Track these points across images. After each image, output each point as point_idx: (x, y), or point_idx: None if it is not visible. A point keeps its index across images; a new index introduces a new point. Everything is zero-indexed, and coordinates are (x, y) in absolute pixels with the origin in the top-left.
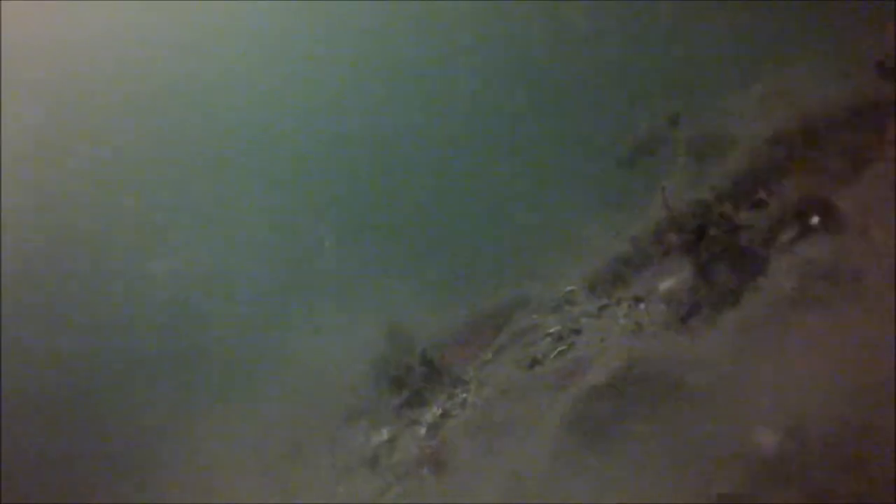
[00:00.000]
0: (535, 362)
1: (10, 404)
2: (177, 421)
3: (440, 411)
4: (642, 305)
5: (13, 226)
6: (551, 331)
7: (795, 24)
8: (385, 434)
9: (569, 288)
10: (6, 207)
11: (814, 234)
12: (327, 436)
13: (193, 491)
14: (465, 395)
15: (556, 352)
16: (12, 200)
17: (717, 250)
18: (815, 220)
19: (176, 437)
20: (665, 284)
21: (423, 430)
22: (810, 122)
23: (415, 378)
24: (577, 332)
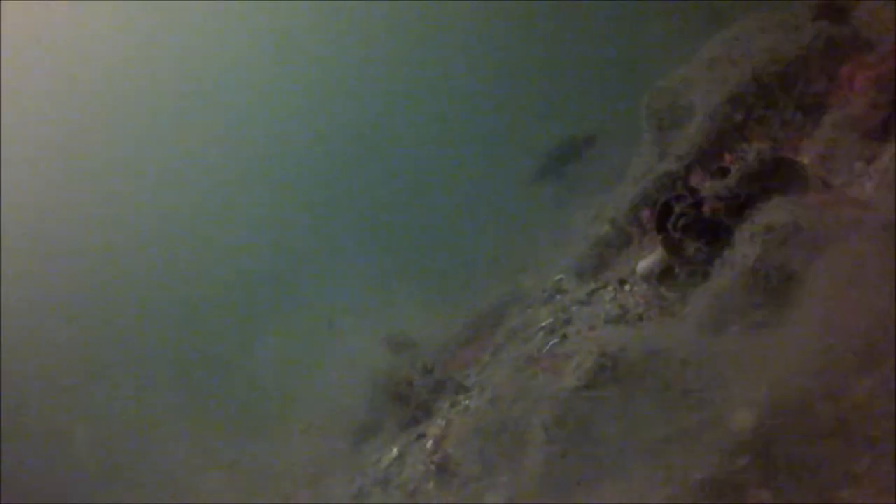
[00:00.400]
0: (530, 360)
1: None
2: (175, 430)
3: (444, 422)
4: (627, 287)
5: (13, 229)
6: (543, 324)
7: None
8: (394, 452)
9: (558, 277)
10: (6, 209)
11: (777, 196)
12: (338, 458)
13: None
14: (467, 401)
15: (549, 346)
16: (13, 202)
17: (685, 224)
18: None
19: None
20: (642, 264)
21: (429, 444)
22: (762, 79)
23: (418, 391)
24: (569, 322)
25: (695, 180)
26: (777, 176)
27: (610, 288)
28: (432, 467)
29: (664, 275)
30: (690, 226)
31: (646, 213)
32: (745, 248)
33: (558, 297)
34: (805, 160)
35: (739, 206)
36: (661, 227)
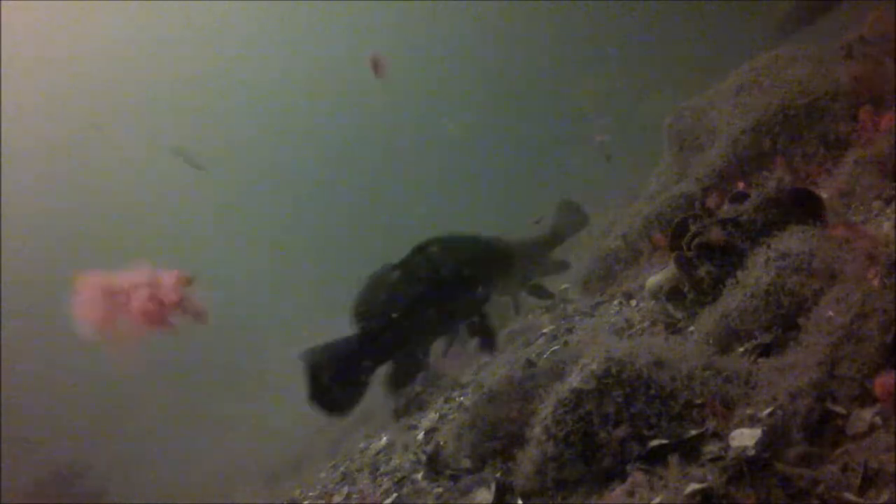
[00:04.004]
0: (529, 363)
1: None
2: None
3: (437, 415)
4: (633, 302)
5: (13, 234)
6: (546, 330)
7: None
8: (384, 440)
9: (564, 286)
10: (6, 212)
11: (793, 226)
12: (328, 444)
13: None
14: (462, 398)
15: (549, 351)
16: (13, 204)
17: (700, 243)
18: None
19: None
20: (652, 280)
21: (420, 435)
22: (789, 110)
23: (413, 383)
24: (571, 331)
25: (711, 203)
26: (795, 206)
27: (616, 301)
28: (423, 458)
29: (673, 292)
30: (704, 246)
31: (658, 231)
32: (757, 271)
33: (562, 305)
34: (824, 194)
35: (755, 231)
36: (674, 245)
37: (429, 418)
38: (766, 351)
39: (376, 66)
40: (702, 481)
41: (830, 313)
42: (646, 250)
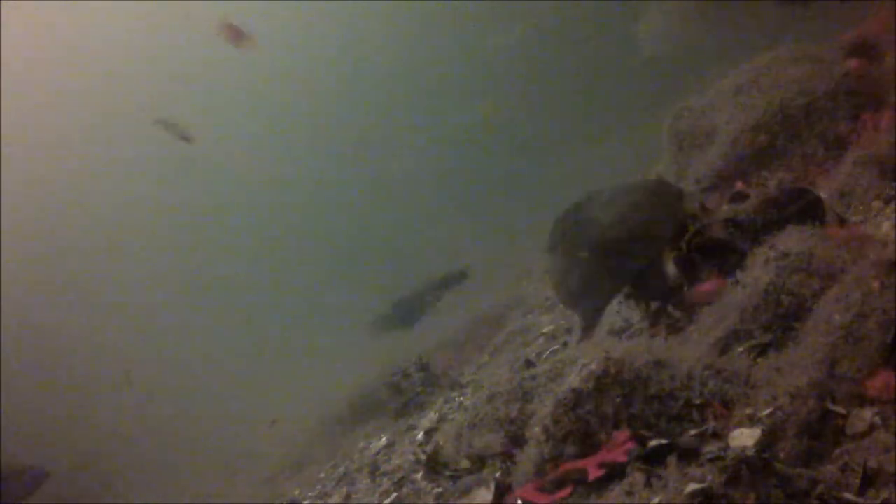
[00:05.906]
0: (529, 363)
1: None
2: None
3: (437, 416)
4: (632, 301)
5: (10, 238)
6: (545, 330)
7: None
8: (384, 440)
9: None
10: (6, 210)
11: (792, 225)
12: (328, 444)
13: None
14: (461, 398)
15: (548, 351)
16: (10, 206)
17: (699, 244)
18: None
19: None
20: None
21: (420, 435)
22: (788, 110)
23: (413, 383)
24: (570, 330)
25: (711, 203)
26: (794, 206)
27: (615, 301)
28: (422, 457)
29: (673, 292)
30: (704, 246)
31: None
32: (757, 271)
33: (561, 305)
34: (823, 194)
35: (755, 230)
36: (674, 245)
37: (429, 418)
38: (765, 351)
39: (233, 34)
40: (701, 481)
41: (830, 313)
42: None
